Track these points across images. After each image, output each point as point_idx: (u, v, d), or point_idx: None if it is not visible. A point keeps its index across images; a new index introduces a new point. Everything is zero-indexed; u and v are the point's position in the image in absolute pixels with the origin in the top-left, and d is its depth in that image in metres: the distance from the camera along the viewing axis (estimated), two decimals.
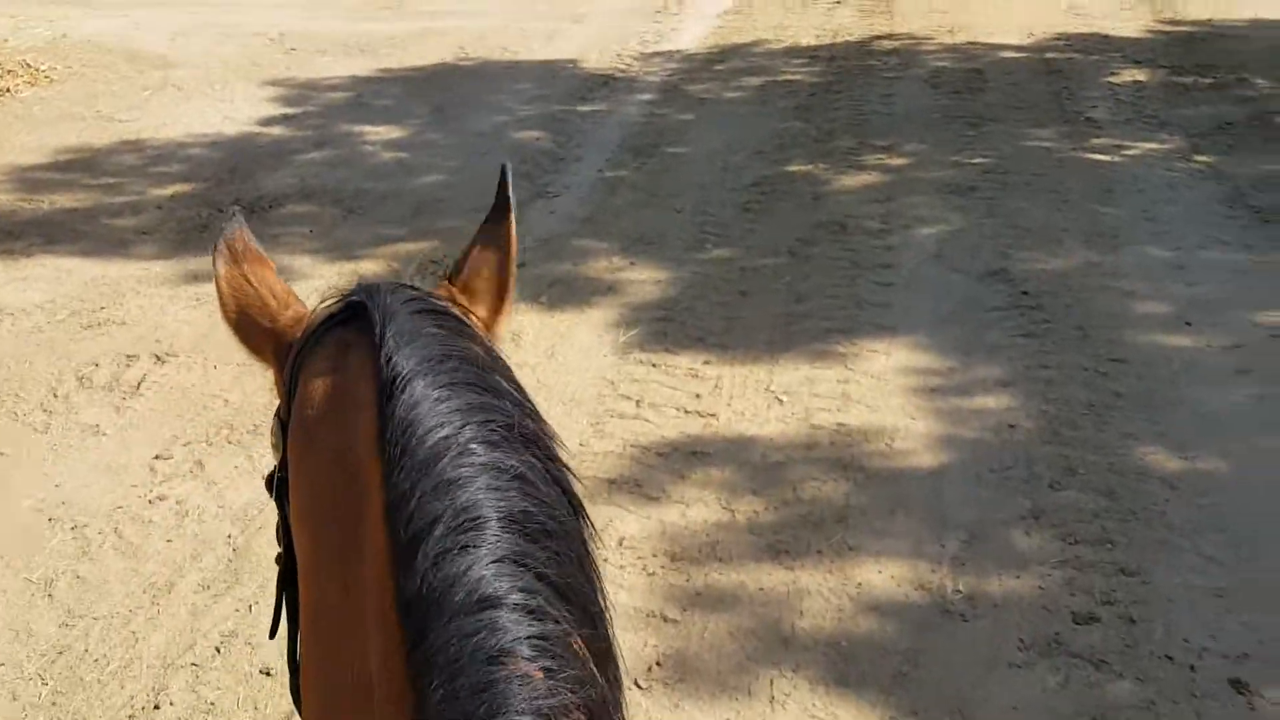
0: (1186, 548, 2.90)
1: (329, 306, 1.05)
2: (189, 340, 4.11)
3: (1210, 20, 8.37)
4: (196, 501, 3.22)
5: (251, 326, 1.15)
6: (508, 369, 1.00)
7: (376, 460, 0.89)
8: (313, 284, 4.31)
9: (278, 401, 1.10)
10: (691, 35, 8.62)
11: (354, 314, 1.01)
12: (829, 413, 3.55)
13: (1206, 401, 3.54)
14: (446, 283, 1.17)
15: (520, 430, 0.91)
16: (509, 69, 7.77)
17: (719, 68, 7.74)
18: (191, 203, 5.47)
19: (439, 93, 7.27)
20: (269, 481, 1.10)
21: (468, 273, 1.18)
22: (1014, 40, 8.00)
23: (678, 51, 8.18)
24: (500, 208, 1.22)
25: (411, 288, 1.04)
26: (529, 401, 0.97)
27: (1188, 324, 3.96)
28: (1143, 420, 3.43)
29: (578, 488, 0.95)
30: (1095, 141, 5.97)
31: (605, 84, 7.45)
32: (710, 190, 5.58)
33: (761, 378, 3.78)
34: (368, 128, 6.59)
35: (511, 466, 0.88)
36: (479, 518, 0.83)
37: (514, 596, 0.80)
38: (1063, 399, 3.55)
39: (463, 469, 0.86)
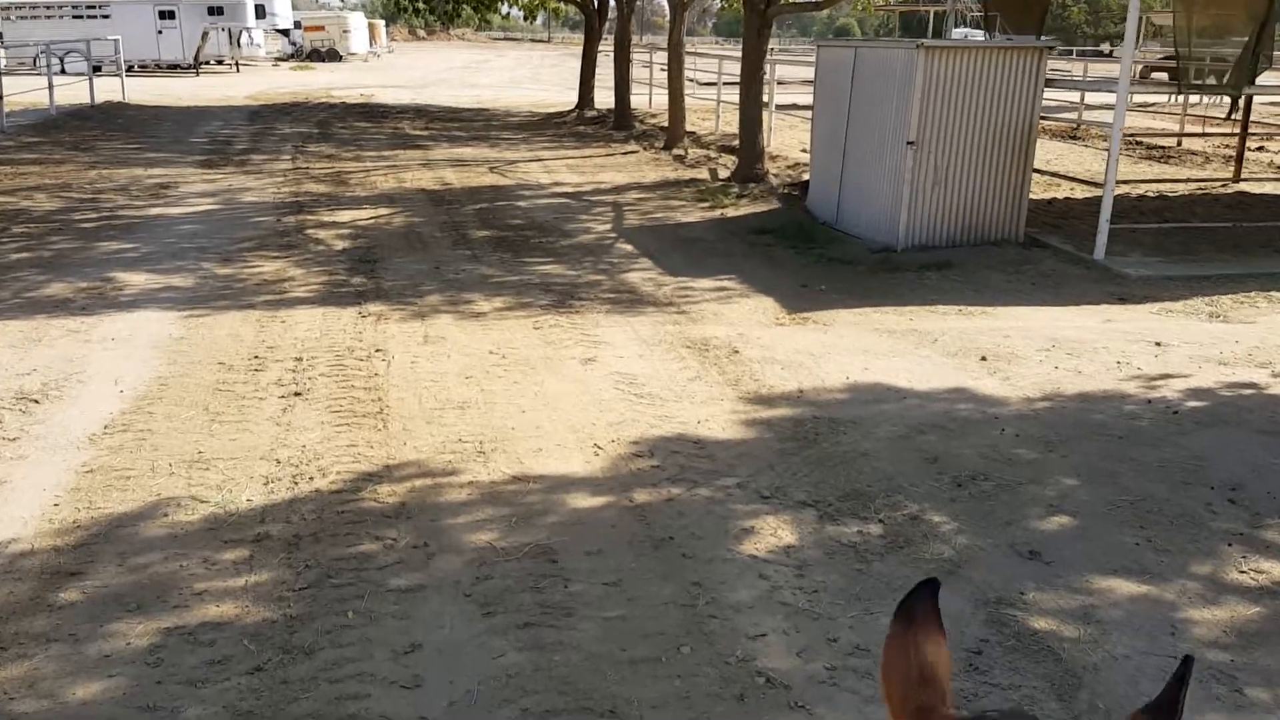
0: None
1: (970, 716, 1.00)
2: None
3: (802, 392, 6.40)
4: None
5: (892, 691, 1.09)
6: None
7: None
8: None
9: None
10: (30, 496, 4.77)
11: None
12: None
13: None
14: None
15: None
16: None
17: (71, 595, 3.99)
18: None
19: None
20: None
21: None
22: (578, 463, 5.27)
23: None
24: (1167, 704, 1.01)
25: None
26: None
27: None
28: None
29: None
30: None
31: None
32: None
33: None
34: None
35: None
36: None
37: None
38: None
39: None
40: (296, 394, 6.12)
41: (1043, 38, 12.24)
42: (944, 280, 9.30)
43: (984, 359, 7.09)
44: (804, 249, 10.51)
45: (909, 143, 10.01)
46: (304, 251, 9.98)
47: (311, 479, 5.00)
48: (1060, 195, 13.21)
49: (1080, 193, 13.33)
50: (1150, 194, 13.50)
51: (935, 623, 1.10)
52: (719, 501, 4.88)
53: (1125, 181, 14.23)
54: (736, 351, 7.15)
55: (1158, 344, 7.50)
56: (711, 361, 6.94)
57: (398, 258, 9.79)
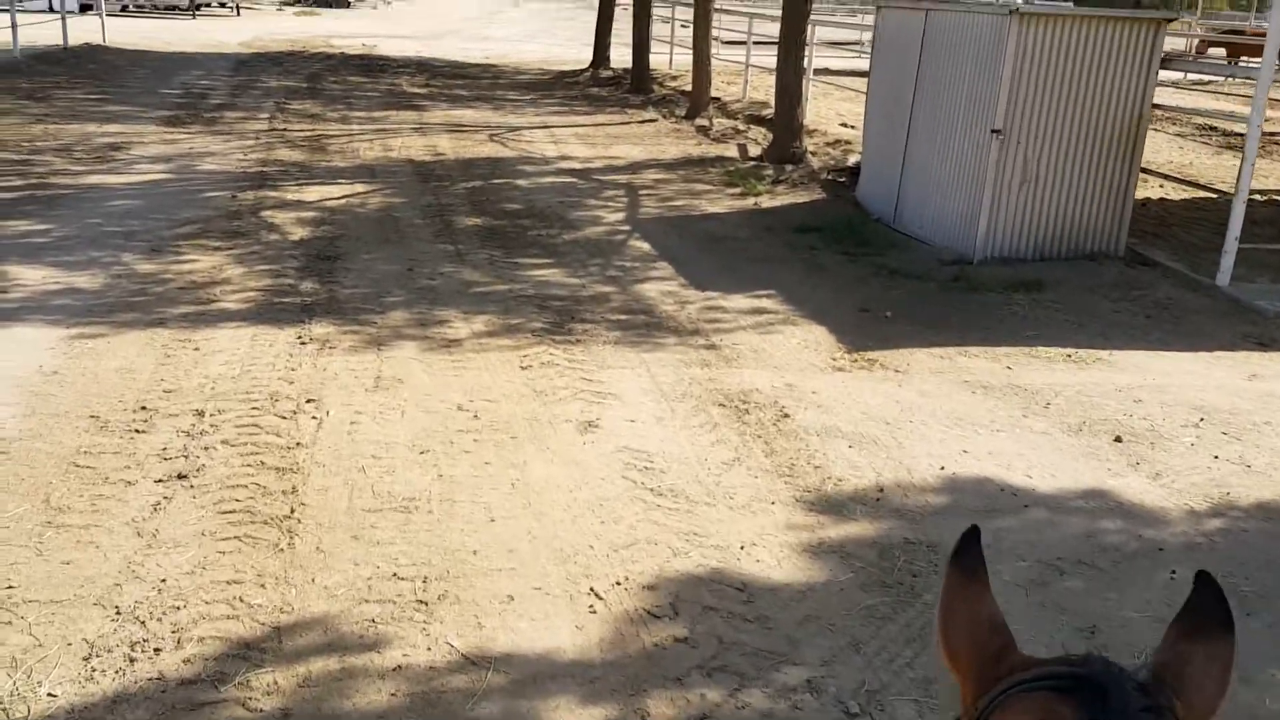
0: None
1: (1052, 667, 0.96)
2: None
3: (882, 491, 4.65)
4: None
5: (959, 643, 1.06)
6: None
7: None
8: None
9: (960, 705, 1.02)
10: None
11: (1075, 689, 0.91)
12: None
13: None
14: (1169, 688, 0.95)
15: None
16: None
17: None
18: None
19: None
20: None
21: (1187, 683, 0.97)
22: (565, 629, 3.52)
23: None
24: (1218, 622, 1.00)
25: (1141, 685, 0.93)
26: None
27: None
28: None
29: None
30: None
31: None
32: None
33: None
34: None
35: None
36: None
37: None
38: None
39: None
40: (180, 476, 4.38)
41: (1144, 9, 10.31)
42: (1038, 307, 7.50)
43: (1118, 439, 5.32)
44: (857, 255, 8.70)
45: (994, 131, 8.16)
46: (252, 241, 8.20)
47: (158, 651, 3.28)
48: (1153, 196, 11.32)
49: (1174, 192, 11.45)
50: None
51: (986, 571, 1.09)
52: None
53: (1228, 184, 12.31)
54: (786, 415, 5.38)
55: None
56: (754, 432, 5.18)
57: (365, 253, 8.01)
